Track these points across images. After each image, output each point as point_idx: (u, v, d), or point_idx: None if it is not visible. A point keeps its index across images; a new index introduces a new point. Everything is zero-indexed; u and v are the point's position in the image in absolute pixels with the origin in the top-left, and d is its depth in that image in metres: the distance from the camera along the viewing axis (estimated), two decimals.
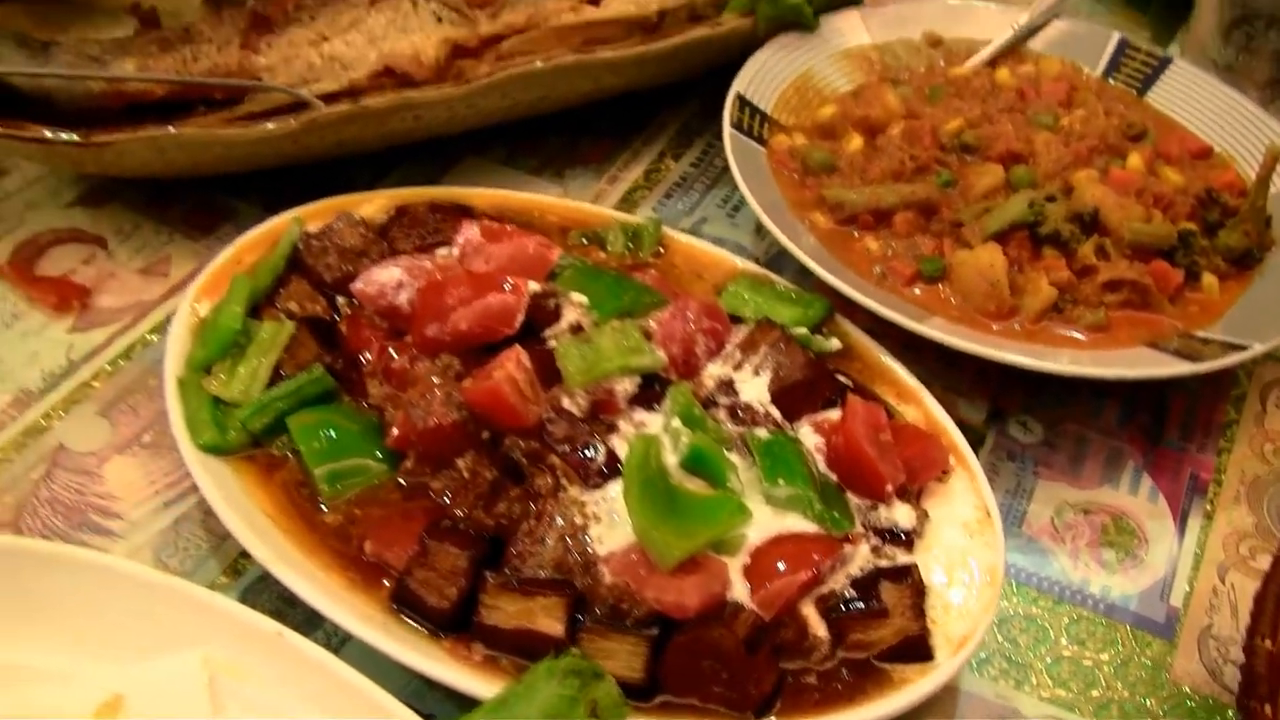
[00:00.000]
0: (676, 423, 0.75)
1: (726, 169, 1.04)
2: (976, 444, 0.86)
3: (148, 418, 0.85)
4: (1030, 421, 0.89)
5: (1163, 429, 0.90)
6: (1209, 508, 0.85)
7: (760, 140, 0.96)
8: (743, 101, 0.97)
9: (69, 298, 0.92)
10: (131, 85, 0.97)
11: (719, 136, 1.06)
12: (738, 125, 0.95)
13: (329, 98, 0.97)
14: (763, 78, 1.00)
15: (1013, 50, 1.08)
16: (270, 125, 0.90)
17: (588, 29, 0.99)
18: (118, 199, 0.99)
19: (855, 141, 0.95)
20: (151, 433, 0.84)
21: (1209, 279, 0.91)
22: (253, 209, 0.99)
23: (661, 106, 1.09)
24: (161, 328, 0.91)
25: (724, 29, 1.00)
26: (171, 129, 0.90)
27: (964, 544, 0.75)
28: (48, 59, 0.98)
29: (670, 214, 1.00)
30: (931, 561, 0.74)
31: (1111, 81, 1.06)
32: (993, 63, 1.07)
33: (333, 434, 0.77)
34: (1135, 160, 0.94)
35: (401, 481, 0.75)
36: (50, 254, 0.96)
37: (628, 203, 1.01)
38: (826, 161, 0.94)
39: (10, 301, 0.93)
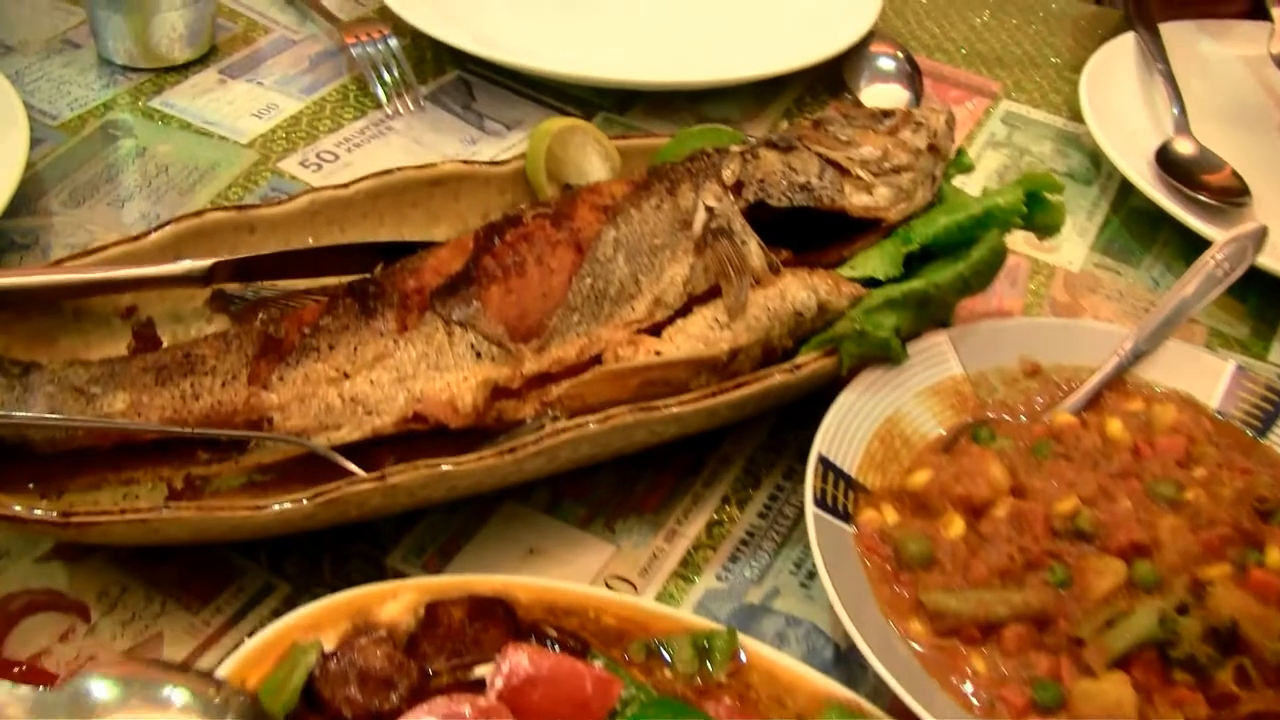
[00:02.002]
0: None
1: (798, 520, 0.92)
2: None
3: None
4: None
5: None
6: None
7: (845, 516, 0.84)
8: (825, 465, 0.85)
9: None
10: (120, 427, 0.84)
11: (788, 476, 0.95)
12: (820, 501, 0.83)
13: (349, 449, 0.84)
14: (845, 429, 0.87)
15: (1118, 379, 0.96)
16: (284, 506, 0.77)
17: (648, 370, 0.86)
18: (102, 553, 0.85)
19: (956, 526, 0.83)
20: None
21: None
22: (258, 568, 0.85)
23: (724, 437, 0.96)
24: None
25: (804, 373, 0.88)
26: (165, 511, 0.77)
27: None
28: (26, 389, 0.85)
29: (738, 583, 0.87)
30: None
31: (1224, 417, 0.95)
32: (1098, 395, 0.95)
33: None
34: (1275, 556, 0.83)
35: None
36: (22, 625, 0.83)
37: (688, 567, 0.88)
38: (924, 555, 0.82)
39: None
